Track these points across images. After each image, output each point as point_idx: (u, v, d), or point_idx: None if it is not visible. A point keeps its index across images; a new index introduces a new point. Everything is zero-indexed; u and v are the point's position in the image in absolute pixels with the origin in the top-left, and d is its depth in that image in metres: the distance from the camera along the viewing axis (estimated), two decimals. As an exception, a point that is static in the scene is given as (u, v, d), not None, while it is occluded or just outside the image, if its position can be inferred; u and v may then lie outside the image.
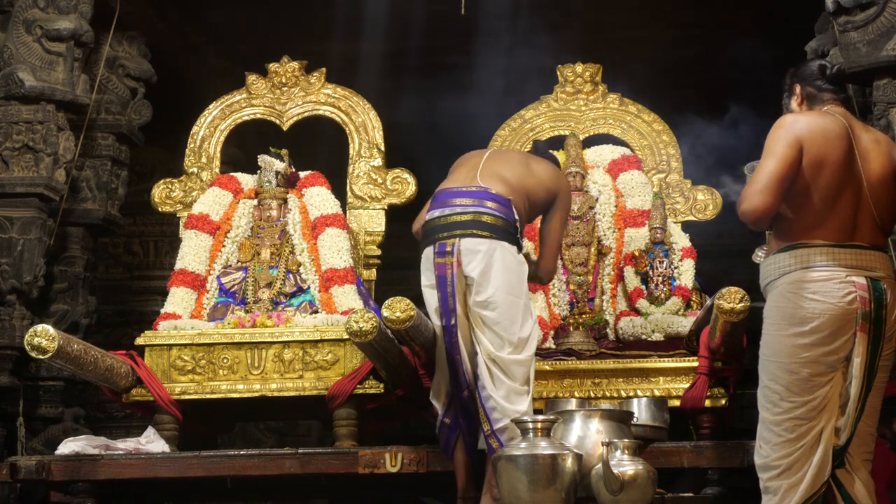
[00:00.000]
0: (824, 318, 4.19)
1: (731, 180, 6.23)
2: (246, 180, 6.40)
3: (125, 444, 5.72)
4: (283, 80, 6.69)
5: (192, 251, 6.11)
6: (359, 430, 5.75)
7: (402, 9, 8.18)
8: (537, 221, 5.63)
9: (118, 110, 7.73)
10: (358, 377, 5.68)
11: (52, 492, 5.78)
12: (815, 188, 4.24)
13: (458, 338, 5.09)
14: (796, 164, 4.23)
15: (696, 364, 5.59)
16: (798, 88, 4.51)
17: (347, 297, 5.90)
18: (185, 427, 5.87)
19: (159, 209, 6.53)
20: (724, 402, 5.60)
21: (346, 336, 5.32)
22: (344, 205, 6.30)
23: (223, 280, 6.07)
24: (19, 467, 5.54)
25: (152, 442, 5.71)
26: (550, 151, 5.82)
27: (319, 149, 7.61)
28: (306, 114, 6.68)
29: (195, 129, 6.66)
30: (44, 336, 5.26)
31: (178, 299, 6.02)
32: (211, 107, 6.72)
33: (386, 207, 6.43)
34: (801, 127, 4.28)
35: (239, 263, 6.12)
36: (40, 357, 5.29)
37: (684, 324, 5.81)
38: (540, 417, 4.54)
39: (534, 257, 5.56)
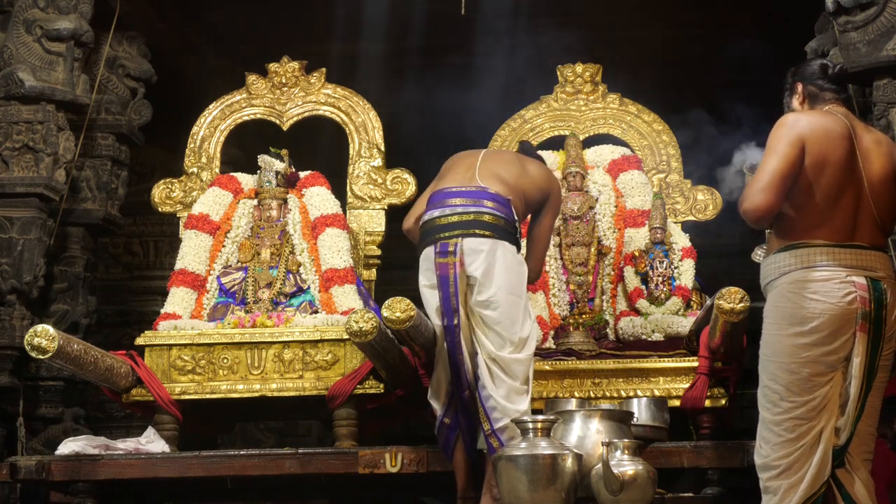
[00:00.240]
0: (824, 317, 4.19)
1: (730, 180, 6.23)
2: (246, 180, 6.40)
3: (125, 444, 5.72)
4: (283, 80, 6.69)
5: (192, 251, 6.11)
6: (359, 430, 5.75)
7: (402, 9, 8.18)
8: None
9: (118, 110, 7.73)
10: (358, 377, 5.68)
11: (52, 492, 5.78)
12: (816, 187, 4.24)
13: (461, 338, 5.09)
14: (799, 162, 4.23)
15: (696, 364, 5.59)
16: (800, 87, 4.51)
17: (347, 297, 5.90)
18: (185, 427, 5.86)
19: (159, 209, 6.53)
20: (724, 402, 5.59)
21: (346, 336, 5.32)
22: (344, 205, 6.30)
23: (223, 280, 6.06)
24: (19, 467, 5.54)
25: (152, 442, 5.71)
26: (538, 152, 5.85)
27: (319, 149, 7.61)
28: (306, 114, 6.68)
29: (195, 129, 6.66)
30: (44, 336, 5.25)
31: (178, 299, 6.02)
32: (211, 107, 6.72)
33: (386, 207, 6.43)
34: (803, 126, 4.28)
35: (239, 263, 6.12)
36: (40, 357, 5.29)
37: (684, 324, 5.81)
38: (540, 417, 4.54)
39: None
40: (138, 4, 7.84)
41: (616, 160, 6.38)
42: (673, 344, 5.78)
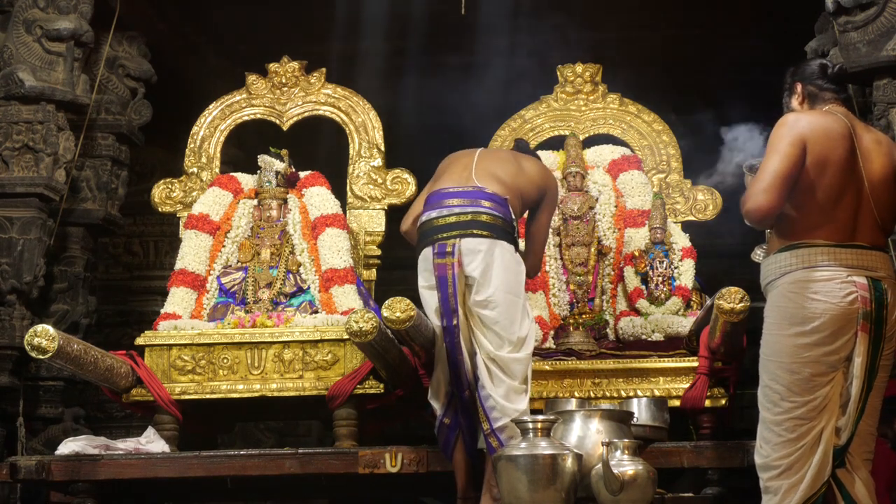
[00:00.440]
0: (825, 317, 4.19)
1: (730, 180, 6.23)
2: (246, 180, 6.40)
3: (125, 444, 5.71)
4: (283, 81, 6.69)
5: (192, 251, 6.11)
6: (359, 430, 5.75)
7: (402, 9, 8.18)
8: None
9: (118, 110, 7.73)
10: (358, 377, 5.68)
11: (52, 492, 5.78)
12: (817, 187, 4.24)
13: (460, 338, 5.09)
14: (800, 162, 4.23)
15: (696, 364, 5.59)
16: (799, 87, 4.51)
17: (347, 297, 5.90)
18: (185, 427, 5.86)
19: (159, 209, 6.53)
20: (724, 402, 5.59)
21: (346, 336, 5.32)
22: (344, 205, 6.30)
23: (223, 280, 6.06)
24: (19, 467, 5.54)
25: (152, 442, 5.71)
26: (538, 152, 5.85)
27: (319, 149, 7.61)
28: (306, 114, 6.67)
29: (195, 129, 6.66)
30: (44, 336, 5.25)
31: (178, 299, 6.02)
32: (211, 107, 6.72)
33: (386, 207, 6.43)
34: (804, 126, 4.28)
35: (239, 263, 6.12)
36: (40, 357, 5.28)
37: (684, 324, 5.81)
38: (540, 417, 4.54)
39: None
40: (138, 4, 7.84)
41: (616, 160, 6.38)
42: (673, 344, 5.78)
